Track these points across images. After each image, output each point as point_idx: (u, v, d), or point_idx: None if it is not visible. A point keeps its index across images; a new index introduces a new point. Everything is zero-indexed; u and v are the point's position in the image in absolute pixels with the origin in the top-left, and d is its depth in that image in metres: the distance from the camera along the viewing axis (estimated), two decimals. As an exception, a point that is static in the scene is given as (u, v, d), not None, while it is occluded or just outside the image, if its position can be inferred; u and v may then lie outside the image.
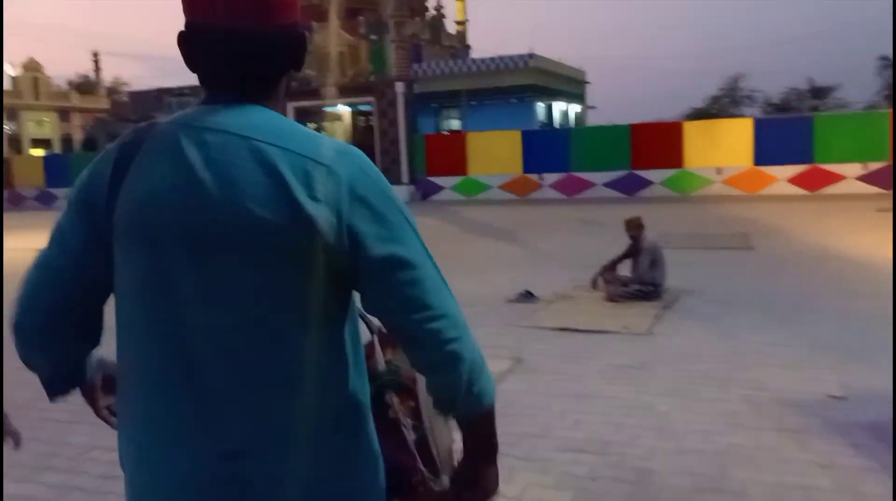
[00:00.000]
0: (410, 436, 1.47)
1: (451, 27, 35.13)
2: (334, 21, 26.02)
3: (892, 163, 18.47)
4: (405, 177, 24.04)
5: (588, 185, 21.88)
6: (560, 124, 30.51)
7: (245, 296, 1.14)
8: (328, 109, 27.85)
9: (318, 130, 30.00)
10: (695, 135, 21.01)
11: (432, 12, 33.65)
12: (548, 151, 22.30)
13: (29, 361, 1.33)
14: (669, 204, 18.75)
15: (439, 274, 1.20)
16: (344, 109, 28.49)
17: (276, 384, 1.17)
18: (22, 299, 1.27)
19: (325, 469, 1.21)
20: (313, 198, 1.12)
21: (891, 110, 19.69)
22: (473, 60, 28.22)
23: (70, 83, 61.74)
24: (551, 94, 29.51)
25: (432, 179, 23.80)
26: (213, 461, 1.16)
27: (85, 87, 59.39)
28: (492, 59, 27.39)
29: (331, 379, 1.21)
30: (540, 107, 28.56)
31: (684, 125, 22.03)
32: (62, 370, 1.37)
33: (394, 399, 1.49)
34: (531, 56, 26.73)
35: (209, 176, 1.13)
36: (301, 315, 1.16)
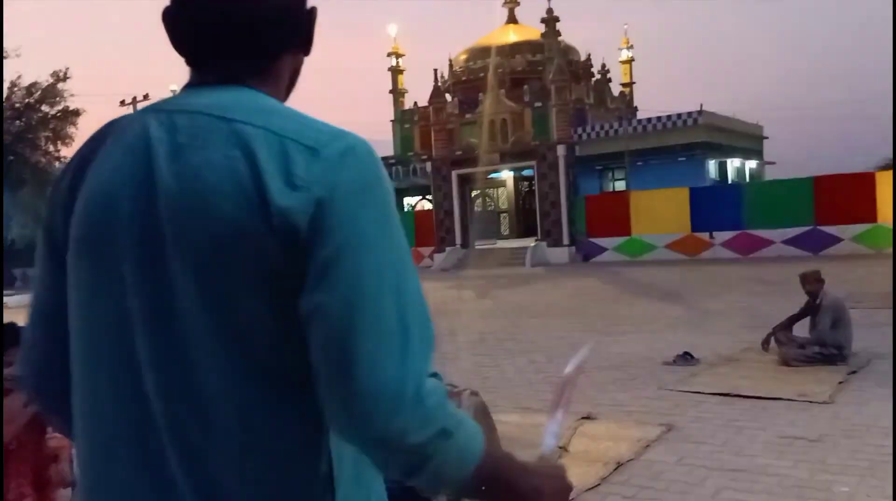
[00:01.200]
0: None
1: (617, 90, 34.80)
2: (495, 89, 26.74)
3: None
4: (565, 239, 23.69)
5: (765, 243, 20.40)
6: (733, 181, 28.95)
7: (198, 323, 0.93)
8: (491, 176, 28.37)
9: (481, 196, 31.44)
10: (888, 186, 19.04)
11: (597, 76, 33.62)
12: (719, 208, 21.15)
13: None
14: (862, 261, 16.98)
15: (399, 318, 0.92)
16: (506, 175, 28.86)
17: (222, 459, 0.95)
18: (23, 357, 1.16)
19: None
20: (291, 185, 0.91)
21: None
22: (639, 120, 27.68)
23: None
24: (724, 150, 28.19)
25: (594, 240, 23.26)
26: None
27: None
28: (658, 117, 26.76)
29: (296, 478, 0.97)
30: (711, 164, 27.29)
31: (877, 176, 20.09)
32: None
33: None
34: (700, 113, 25.88)
35: (172, 164, 0.95)
36: (268, 364, 0.95)
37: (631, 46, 36.38)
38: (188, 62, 1.08)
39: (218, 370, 0.93)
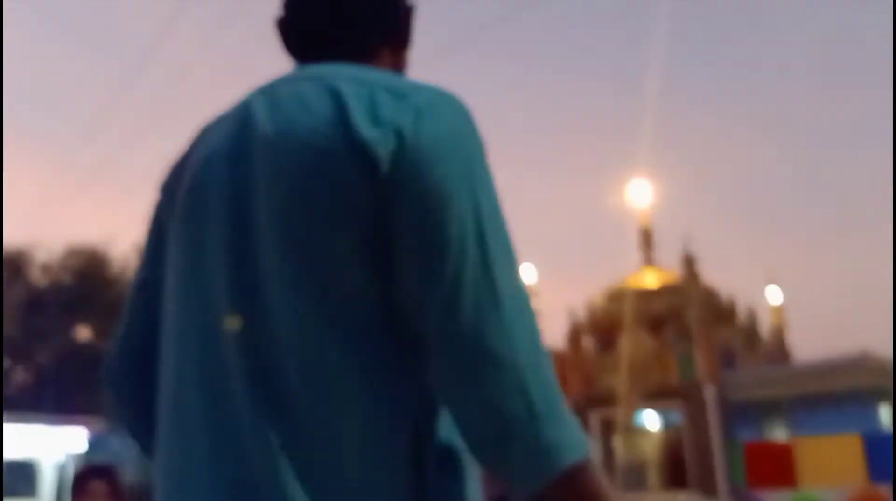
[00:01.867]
0: None
1: (767, 332, 33.32)
2: (635, 331, 26.34)
3: None
4: (722, 489, 21.47)
5: (966, 501, 17.46)
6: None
7: (291, 273, 0.94)
8: (636, 423, 27.01)
9: (625, 443, 29.77)
10: None
11: (743, 319, 32.54)
12: (900, 458, 18.65)
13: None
14: None
15: (488, 266, 0.93)
16: (652, 420, 27.34)
17: (299, 419, 0.93)
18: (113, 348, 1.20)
19: None
20: (375, 122, 0.94)
21: None
22: (796, 364, 26.01)
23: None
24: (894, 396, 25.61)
25: (756, 493, 20.90)
26: (225, 490, 0.95)
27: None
28: (816, 362, 25.05)
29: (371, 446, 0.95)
30: (883, 411, 24.72)
31: None
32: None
33: None
34: (864, 356, 24.01)
35: (268, 117, 1.01)
36: (350, 318, 0.94)
37: (779, 287, 35.35)
38: (297, 60, 1.18)
39: (297, 321, 0.93)
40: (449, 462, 0.99)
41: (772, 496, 20.76)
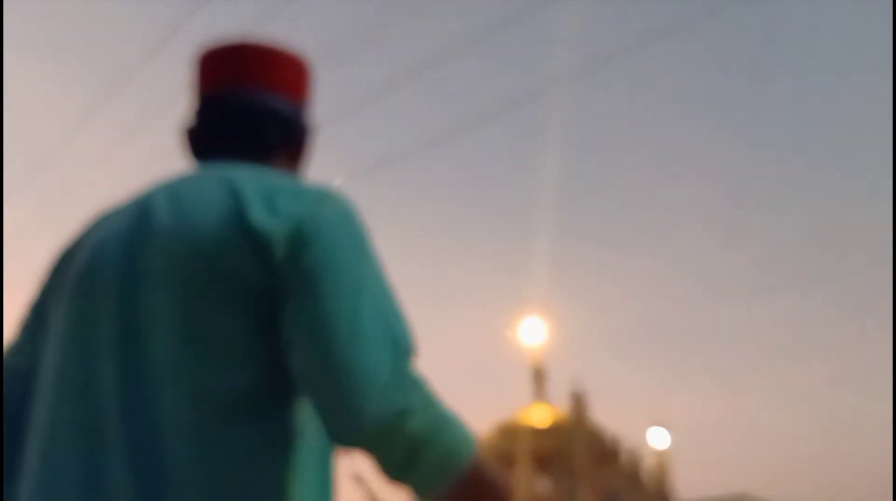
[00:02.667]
0: None
1: (650, 475, 33.88)
2: (523, 465, 26.26)
3: None
4: None
5: None
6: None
7: (172, 344, 0.97)
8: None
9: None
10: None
11: (627, 458, 33.09)
12: None
13: None
14: None
15: (368, 317, 0.99)
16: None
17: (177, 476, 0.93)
18: None
19: None
20: (273, 213, 1.01)
21: None
22: (675, 507, 26.47)
23: None
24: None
25: None
26: None
27: None
28: (696, 502, 25.62)
29: None
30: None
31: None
32: None
33: None
34: (743, 498, 24.87)
35: (168, 208, 1.05)
36: (230, 388, 0.96)
37: (663, 430, 36.30)
38: (198, 161, 1.23)
39: (185, 395, 0.95)
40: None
41: None
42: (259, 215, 0.99)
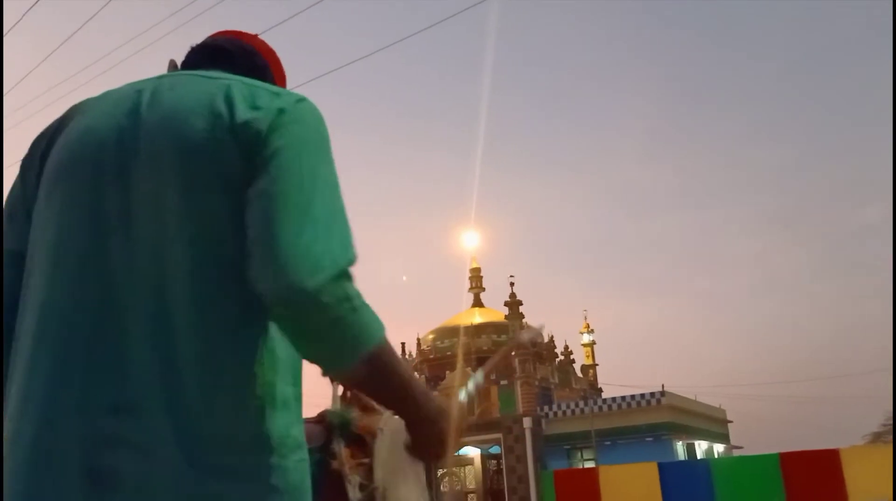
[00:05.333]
0: (355, 495, 1.26)
1: (581, 370, 35.51)
2: (462, 366, 27.25)
3: None
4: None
5: (741, 523, 19.59)
6: (702, 458, 28.51)
7: (173, 222, 1.05)
8: (458, 453, 27.70)
9: (448, 475, 30.42)
10: (857, 464, 18.94)
11: (560, 358, 34.49)
12: (690, 485, 20.59)
13: None
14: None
15: (318, 201, 1.05)
16: (473, 453, 28.21)
17: (187, 342, 1.03)
18: None
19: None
20: (254, 108, 1.09)
21: None
22: (604, 400, 27.93)
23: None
24: (690, 432, 28.18)
25: (565, 519, 22.15)
26: (102, 414, 1.00)
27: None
28: (623, 397, 27.05)
29: (245, 370, 1.05)
30: (679, 446, 27.08)
31: (842, 453, 20.04)
32: None
33: (342, 450, 1.30)
34: (663, 394, 26.24)
35: (156, 100, 1.12)
36: (225, 262, 1.05)
37: (592, 331, 37.82)
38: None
39: (181, 265, 1.03)
40: (293, 403, 1.11)
41: (578, 521, 21.97)
42: (243, 109, 1.08)
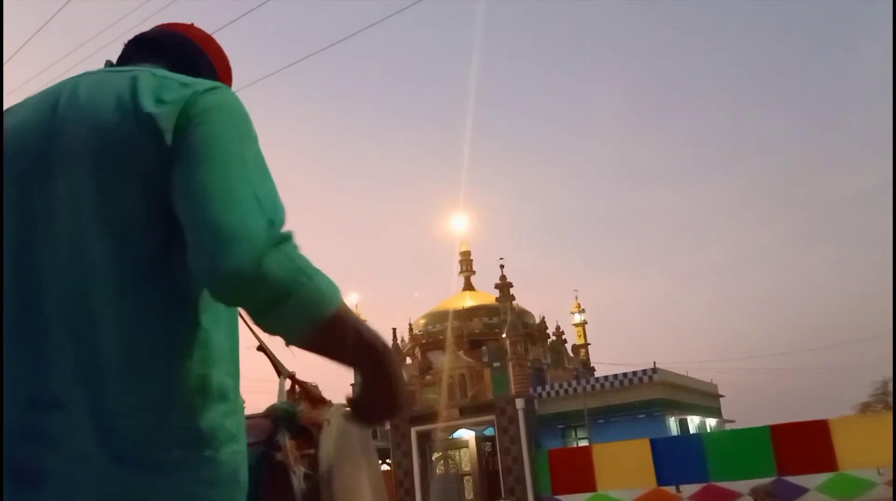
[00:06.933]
0: (299, 485, 1.25)
1: (572, 350, 35.70)
2: (454, 349, 27.37)
3: None
4: (530, 497, 22.79)
5: (733, 495, 19.82)
6: (693, 433, 28.76)
7: (91, 219, 1.05)
8: (452, 437, 27.87)
9: (443, 458, 30.64)
10: (846, 433, 19.16)
11: (552, 338, 34.68)
12: (682, 459, 20.79)
13: None
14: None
15: (246, 183, 1.05)
16: (468, 435, 28.38)
17: (108, 338, 1.02)
18: None
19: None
20: (159, 102, 1.08)
21: None
22: (597, 379, 28.08)
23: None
24: (683, 408, 28.40)
25: (559, 497, 22.36)
26: (23, 409, 1.01)
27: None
28: (615, 376, 27.20)
29: (168, 363, 1.04)
30: (672, 422, 27.31)
31: (831, 423, 20.26)
32: None
33: (286, 442, 1.30)
34: (655, 371, 26.42)
35: (72, 98, 1.12)
36: (145, 255, 1.05)
37: (583, 310, 37.99)
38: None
39: (100, 261, 1.03)
40: (227, 395, 1.10)
41: (573, 498, 22.19)
42: (148, 103, 1.07)
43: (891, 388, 44.80)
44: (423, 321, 32.92)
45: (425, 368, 28.96)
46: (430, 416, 25.63)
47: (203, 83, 1.14)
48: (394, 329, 30.64)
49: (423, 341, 31.59)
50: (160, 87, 1.11)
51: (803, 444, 19.55)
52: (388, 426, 28.23)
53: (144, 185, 1.05)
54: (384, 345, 1.10)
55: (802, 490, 19.10)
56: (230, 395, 1.11)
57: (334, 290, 1.04)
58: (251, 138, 1.12)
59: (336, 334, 1.03)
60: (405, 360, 29.83)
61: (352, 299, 36.08)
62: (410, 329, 32.78)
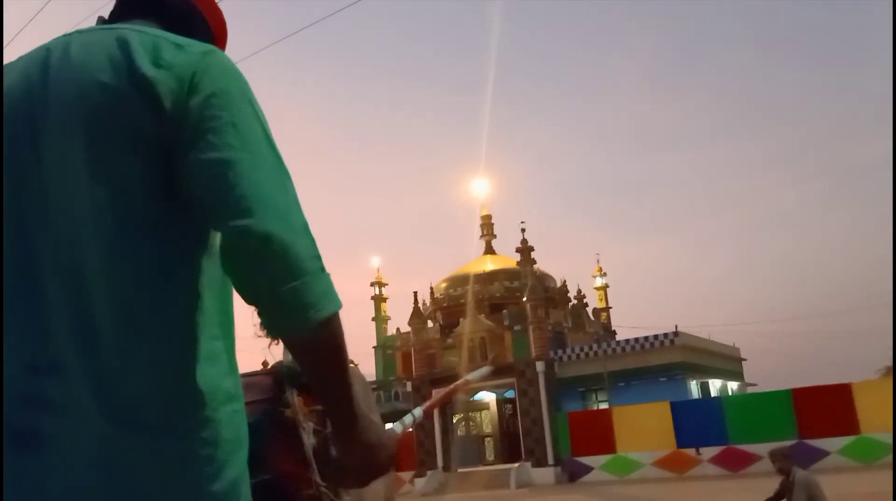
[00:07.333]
0: (309, 441, 1.26)
1: (593, 313, 35.67)
2: (475, 313, 27.46)
3: None
4: (550, 458, 23.00)
5: (753, 458, 19.87)
6: (714, 396, 28.77)
7: (83, 182, 1.03)
8: (474, 398, 28.12)
9: (464, 420, 30.99)
10: (869, 397, 19.06)
11: (573, 302, 34.64)
12: (702, 422, 20.88)
13: None
14: (850, 475, 16.46)
15: (272, 156, 1.07)
16: (489, 398, 28.62)
17: (104, 302, 1.01)
18: None
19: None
20: (156, 64, 1.05)
21: None
22: (618, 342, 28.06)
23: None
24: (703, 371, 28.35)
25: (579, 459, 22.58)
26: (22, 374, 1.01)
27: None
28: (636, 339, 27.17)
29: (164, 326, 1.03)
30: (693, 385, 27.30)
31: (853, 387, 20.15)
32: None
33: (294, 398, 1.30)
34: (676, 334, 26.32)
35: (62, 59, 1.09)
36: (137, 218, 1.04)
37: (604, 274, 37.88)
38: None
39: (92, 224, 1.02)
40: (223, 355, 1.10)
41: (593, 459, 22.39)
42: (144, 65, 1.04)
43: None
44: (444, 285, 33.02)
45: (446, 331, 29.12)
46: (452, 379, 25.77)
47: (197, 46, 1.11)
48: (415, 292, 30.76)
49: (445, 304, 31.71)
50: (155, 46, 1.07)
51: (825, 408, 19.52)
52: (409, 388, 28.60)
53: (138, 147, 1.03)
54: (360, 403, 1.10)
55: (824, 453, 19.10)
56: (226, 356, 1.10)
57: (338, 299, 1.04)
58: (257, 107, 1.11)
59: (326, 342, 1.03)
60: (426, 323, 29.96)
61: (374, 263, 36.36)
62: (432, 293, 32.90)
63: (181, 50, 1.08)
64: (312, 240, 1.03)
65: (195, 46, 1.10)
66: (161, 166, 1.03)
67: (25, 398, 0.99)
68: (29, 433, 0.98)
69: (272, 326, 1.03)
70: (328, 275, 1.03)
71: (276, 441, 1.22)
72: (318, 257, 1.03)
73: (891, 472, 12.11)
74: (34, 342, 1.01)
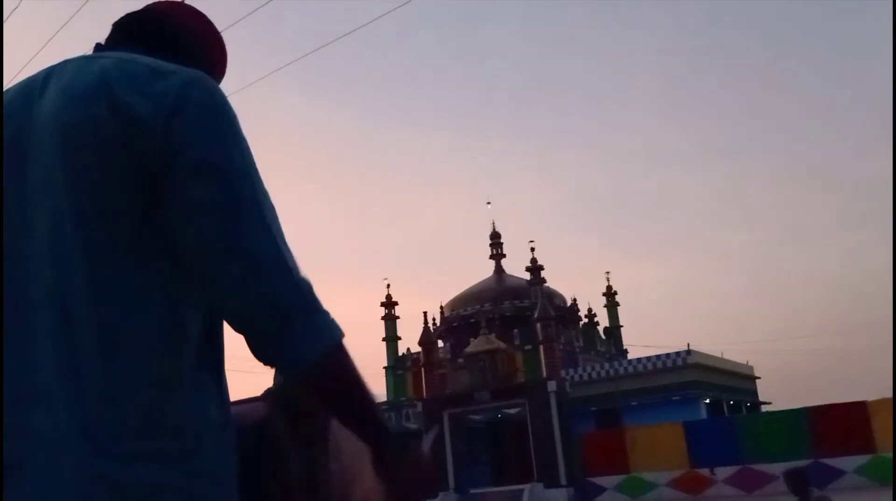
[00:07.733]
0: (296, 467, 1.25)
1: (604, 332, 35.51)
2: (485, 333, 27.36)
3: None
4: (563, 478, 22.76)
5: (769, 478, 19.62)
6: (727, 416, 28.48)
7: (64, 209, 1.04)
8: (485, 419, 27.95)
9: (476, 440, 30.67)
10: (885, 415, 18.81)
11: (584, 321, 34.51)
12: (716, 442, 20.67)
13: None
14: (867, 494, 16.23)
15: (257, 200, 1.06)
16: (500, 418, 28.42)
17: (87, 329, 1.01)
18: None
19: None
20: (139, 94, 1.05)
21: None
22: (629, 361, 27.92)
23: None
24: (717, 390, 28.12)
25: (593, 479, 22.35)
26: (9, 405, 1.00)
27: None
28: (647, 358, 27.05)
29: (147, 354, 1.02)
30: (706, 404, 27.05)
31: (869, 405, 19.93)
32: None
33: (283, 424, 1.30)
34: (689, 353, 26.18)
35: (46, 87, 1.11)
36: (118, 244, 1.04)
37: (615, 292, 37.74)
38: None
39: (74, 252, 1.02)
40: (213, 383, 1.10)
41: (607, 479, 22.17)
42: (125, 93, 1.04)
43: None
44: (454, 305, 32.98)
45: (457, 351, 29.01)
46: (463, 399, 25.66)
47: (181, 74, 1.09)
48: (425, 312, 30.68)
49: (455, 324, 31.65)
50: (135, 75, 1.07)
51: (841, 426, 19.30)
52: (420, 409, 28.44)
53: (118, 174, 1.03)
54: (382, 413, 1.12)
55: (840, 473, 18.85)
56: (213, 383, 1.10)
57: (334, 326, 1.05)
58: (243, 140, 1.10)
59: (333, 369, 1.05)
60: (437, 343, 29.87)
61: (384, 283, 36.32)
62: (441, 312, 32.86)
63: (163, 78, 1.07)
64: (300, 280, 1.03)
65: (178, 75, 1.09)
66: (143, 191, 1.03)
67: (7, 429, 0.98)
68: (9, 463, 0.97)
69: (278, 370, 1.05)
70: (324, 312, 1.05)
71: (265, 467, 1.20)
72: (305, 296, 1.03)
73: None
74: (22, 372, 1.01)
